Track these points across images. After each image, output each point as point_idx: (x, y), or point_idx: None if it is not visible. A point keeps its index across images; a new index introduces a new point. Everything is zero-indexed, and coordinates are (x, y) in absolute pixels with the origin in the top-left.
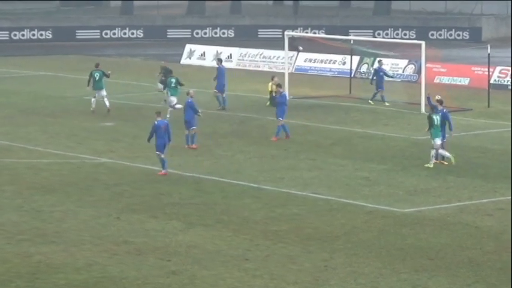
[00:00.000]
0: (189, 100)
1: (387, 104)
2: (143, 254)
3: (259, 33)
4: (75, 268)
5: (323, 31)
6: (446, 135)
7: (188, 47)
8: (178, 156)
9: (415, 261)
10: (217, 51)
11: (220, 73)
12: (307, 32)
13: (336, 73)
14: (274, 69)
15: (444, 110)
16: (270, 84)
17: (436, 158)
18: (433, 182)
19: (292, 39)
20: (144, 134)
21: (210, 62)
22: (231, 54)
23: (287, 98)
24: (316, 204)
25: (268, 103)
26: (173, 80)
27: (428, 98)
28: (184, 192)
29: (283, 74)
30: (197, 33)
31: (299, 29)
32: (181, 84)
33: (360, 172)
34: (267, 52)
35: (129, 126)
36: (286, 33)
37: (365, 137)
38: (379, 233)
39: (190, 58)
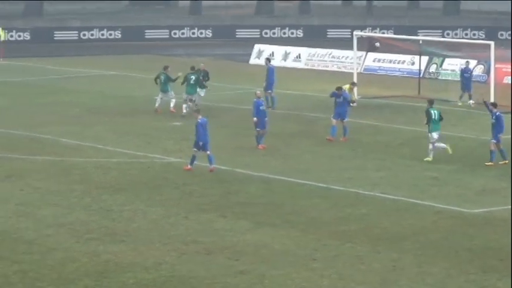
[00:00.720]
0: (258, 101)
1: (460, 104)
2: (212, 254)
3: (328, 33)
4: (144, 267)
5: (392, 31)
6: (499, 135)
7: (257, 47)
8: (246, 156)
9: (484, 262)
10: (285, 51)
11: (269, 72)
12: (376, 32)
13: (405, 73)
14: (343, 69)
15: (497, 113)
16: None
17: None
18: (501, 182)
19: (369, 38)
20: (213, 134)
21: (278, 62)
22: (299, 54)
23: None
24: (384, 205)
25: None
26: (193, 77)
27: (485, 103)
28: (253, 192)
29: (351, 74)
30: (266, 33)
31: (368, 29)
32: (204, 82)
33: (428, 172)
34: (336, 52)
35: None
36: (355, 33)
37: None
38: (448, 234)
39: (259, 58)
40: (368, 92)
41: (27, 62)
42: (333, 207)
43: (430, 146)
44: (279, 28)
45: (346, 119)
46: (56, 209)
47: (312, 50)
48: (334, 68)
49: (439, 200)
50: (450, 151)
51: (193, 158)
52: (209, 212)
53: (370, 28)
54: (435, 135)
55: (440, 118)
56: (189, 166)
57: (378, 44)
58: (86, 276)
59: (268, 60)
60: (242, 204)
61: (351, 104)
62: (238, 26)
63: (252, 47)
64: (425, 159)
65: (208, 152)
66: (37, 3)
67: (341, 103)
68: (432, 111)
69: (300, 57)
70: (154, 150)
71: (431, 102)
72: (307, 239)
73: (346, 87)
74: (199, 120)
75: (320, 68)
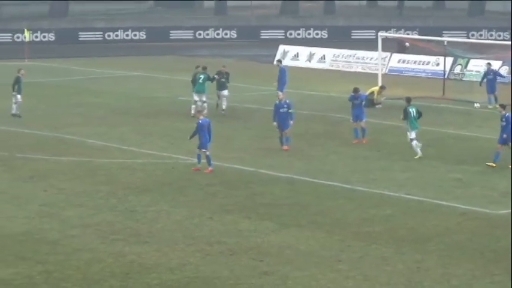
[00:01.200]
0: (279, 103)
1: (490, 107)
2: (236, 254)
3: (352, 34)
4: (168, 268)
5: (416, 32)
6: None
7: (282, 47)
8: (270, 157)
9: (509, 263)
10: (310, 52)
11: (281, 73)
12: (400, 33)
13: (430, 74)
14: (367, 70)
15: (507, 114)
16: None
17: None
18: None
19: (398, 39)
20: (238, 135)
21: (303, 62)
22: (324, 55)
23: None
24: (409, 206)
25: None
26: (201, 77)
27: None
28: (277, 193)
29: (376, 75)
30: (290, 34)
31: (393, 29)
32: (211, 80)
33: (453, 173)
34: (361, 53)
35: (222, 127)
36: (379, 34)
37: (458, 138)
38: (472, 235)
39: (283, 59)
40: (393, 93)
41: (51, 63)
42: (357, 208)
43: (414, 143)
44: (304, 29)
45: (364, 120)
46: (81, 210)
47: (337, 51)
48: (359, 69)
49: (463, 201)
50: (419, 155)
51: (198, 158)
52: (233, 213)
53: (395, 29)
54: (413, 133)
55: (419, 115)
56: (210, 168)
57: (407, 44)
58: (111, 277)
59: (279, 61)
60: (266, 205)
61: (376, 106)
62: (263, 26)
63: (277, 47)
64: (415, 157)
65: (207, 153)
66: (62, 4)
67: (357, 105)
68: (410, 110)
69: (324, 58)
70: (178, 151)
71: (408, 100)
72: (332, 240)
73: (375, 89)
74: (200, 121)
75: (344, 69)
